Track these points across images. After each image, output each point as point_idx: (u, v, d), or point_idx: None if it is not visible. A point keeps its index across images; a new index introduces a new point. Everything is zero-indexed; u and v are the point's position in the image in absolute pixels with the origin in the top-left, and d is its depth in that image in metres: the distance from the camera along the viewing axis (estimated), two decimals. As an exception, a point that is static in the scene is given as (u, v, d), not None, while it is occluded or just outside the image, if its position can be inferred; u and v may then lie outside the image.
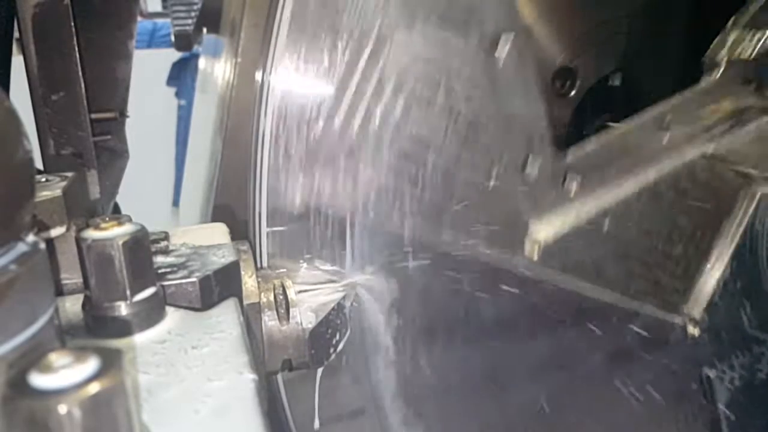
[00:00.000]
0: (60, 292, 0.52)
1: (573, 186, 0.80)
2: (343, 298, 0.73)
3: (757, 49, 0.84)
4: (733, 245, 0.90)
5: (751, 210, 0.88)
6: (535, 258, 0.80)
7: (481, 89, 0.75)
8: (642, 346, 0.89)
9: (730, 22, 0.88)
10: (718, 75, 0.85)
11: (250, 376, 0.41)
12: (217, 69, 1.47)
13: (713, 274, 0.91)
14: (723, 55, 0.86)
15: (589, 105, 1.09)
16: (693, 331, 0.91)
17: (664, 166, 0.82)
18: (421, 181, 0.74)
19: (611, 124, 0.87)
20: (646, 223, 0.85)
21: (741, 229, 0.89)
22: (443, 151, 0.74)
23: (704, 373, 0.94)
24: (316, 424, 0.75)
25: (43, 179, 0.53)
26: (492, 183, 0.77)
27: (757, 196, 0.88)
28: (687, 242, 0.89)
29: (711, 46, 0.88)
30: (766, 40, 0.84)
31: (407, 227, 0.75)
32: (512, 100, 0.76)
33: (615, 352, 0.89)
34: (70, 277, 0.53)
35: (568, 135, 1.09)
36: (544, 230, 0.79)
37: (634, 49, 1.09)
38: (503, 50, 0.73)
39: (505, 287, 0.80)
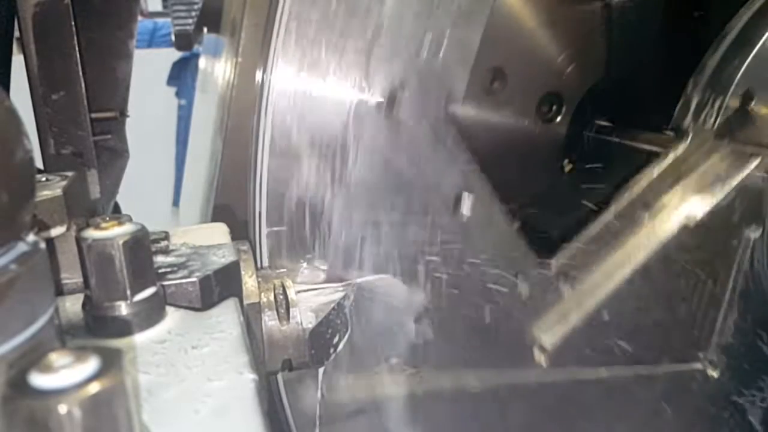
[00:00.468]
0: (60, 291, 0.52)
1: (565, 290, 0.83)
2: (343, 298, 0.73)
3: (719, 117, 0.84)
4: (738, 289, 0.90)
5: (747, 255, 0.89)
6: (545, 365, 0.83)
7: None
8: (669, 403, 0.92)
9: (689, 86, 0.88)
10: (689, 142, 0.86)
11: (250, 376, 0.41)
12: (217, 69, 1.47)
13: (723, 318, 0.92)
14: (688, 124, 0.86)
15: (586, 109, 1.09)
16: (713, 372, 0.93)
17: (652, 245, 0.83)
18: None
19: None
20: (645, 299, 0.87)
21: (741, 274, 0.90)
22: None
23: (734, 400, 0.95)
24: (318, 424, 0.75)
25: (44, 179, 0.53)
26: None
27: (751, 241, 0.88)
28: (689, 301, 0.90)
29: (675, 113, 0.89)
30: (726, 107, 0.83)
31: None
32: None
33: (647, 416, 0.91)
34: (71, 276, 0.53)
35: (567, 143, 1.08)
36: (548, 337, 0.82)
37: (616, 51, 1.07)
38: (467, 208, 0.76)
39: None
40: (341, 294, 0.73)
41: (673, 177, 0.84)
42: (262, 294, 0.67)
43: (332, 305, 0.71)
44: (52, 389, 0.26)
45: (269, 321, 0.66)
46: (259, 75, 0.74)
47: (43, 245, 0.33)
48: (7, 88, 0.82)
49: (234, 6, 1.27)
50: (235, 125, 1.11)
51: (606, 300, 0.83)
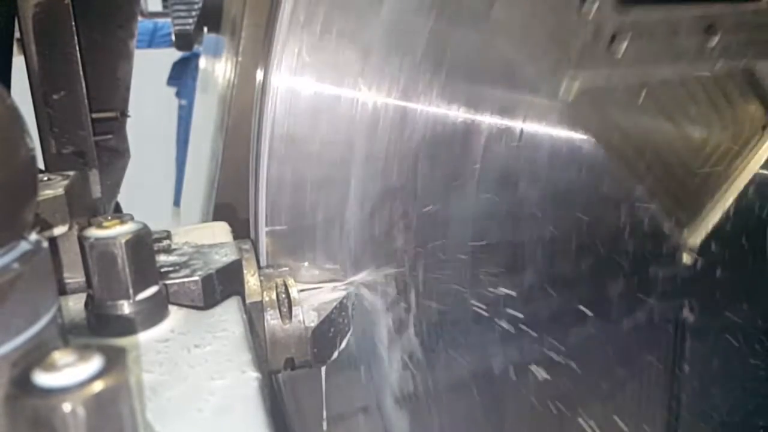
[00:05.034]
0: (63, 291, 0.52)
1: (622, 47, 0.79)
2: (346, 296, 0.73)
3: None
4: (745, 182, 0.88)
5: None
6: (570, 99, 0.79)
7: None
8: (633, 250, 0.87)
9: None
10: None
11: (253, 375, 0.41)
12: (217, 68, 1.47)
13: (720, 205, 0.89)
14: None
15: None
16: (686, 259, 0.89)
17: (704, 68, 0.82)
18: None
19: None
20: (674, 119, 0.84)
21: (756, 168, 0.88)
22: None
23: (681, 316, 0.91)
24: (324, 424, 0.75)
25: (45, 178, 0.53)
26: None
27: None
28: (705, 156, 0.87)
29: None
30: None
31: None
32: None
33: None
34: (73, 276, 0.53)
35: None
36: (585, 77, 0.79)
37: None
38: None
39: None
40: (343, 292, 0.73)
41: (749, 19, 0.83)
42: (265, 293, 0.67)
43: (334, 304, 0.71)
44: (55, 388, 0.26)
45: (271, 320, 0.66)
46: (259, 74, 0.74)
47: (45, 244, 0.33)
48: (8, 89, 0.82)
49: (234, 6, 1.27)
50: (236, 124, 1.11)
51: (649, 81, 0.79)
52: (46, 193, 0.50)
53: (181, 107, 3.81)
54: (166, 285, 0.49)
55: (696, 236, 0.90)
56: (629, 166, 0.85)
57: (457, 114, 0.76)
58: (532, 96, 0.79)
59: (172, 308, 0.48)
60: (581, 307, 0.85)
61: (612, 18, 0.79)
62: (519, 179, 0.80)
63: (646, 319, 0.90)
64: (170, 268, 0.53)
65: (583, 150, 0.82)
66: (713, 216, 0.90)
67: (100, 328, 0.45)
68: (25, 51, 0.78)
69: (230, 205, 1.10)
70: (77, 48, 0.79)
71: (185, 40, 2.21)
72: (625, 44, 0.80)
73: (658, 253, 0.89)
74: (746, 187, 0.89)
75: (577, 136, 0.82)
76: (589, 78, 0.80)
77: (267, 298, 0.67)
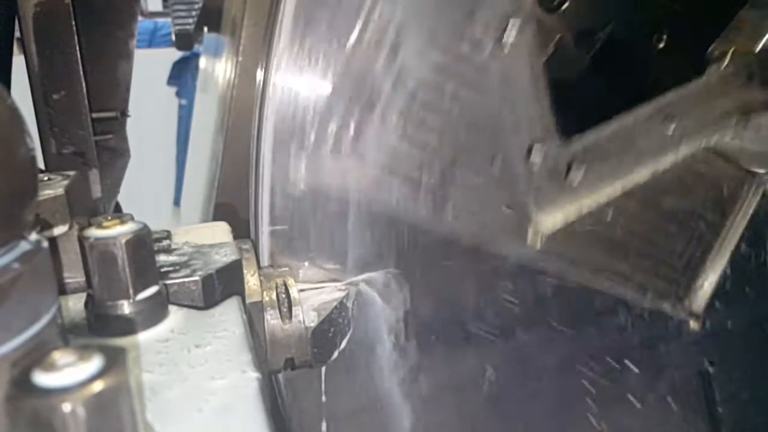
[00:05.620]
0: (63, 290, 0.52)
1: (577, 176, 0.79)
2: (346, 296, 0.73)
3: (762, 43, 0.83)
4: (736, 239, 0.89)
5: (755, 204, 0.88)
6: (538, 247, 0.79)
7: (484, 80, 0.74)
8: (641, 342, 0.89)
9: (739, 14, 0.86)
10: (722, 68, 0.85)
11: (253, 375, 0.41)
12: (218, 68, 1.47)
13: (715, 267, 0.90)
14: (728, 48, 0.85)
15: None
16: (694, 325, 0.91)
17: (668, 159, 0.82)
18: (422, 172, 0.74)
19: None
20: (650, 215, 0.85)
21: (744, 223, 0.89)
22: (445, 142, 0.74)
23: (704, 369, 0.94)
24: (324, 425, 0.75)
25: (46, 178, 0.53)
26: (495, 170, 0.76)
27: (761, 191, 0.88)
28: (690, 236, 0.89)
29: (718, 39, 0.87)
30: None
31: (407, 220, 0.75)
32: (517, 91, 0.75)
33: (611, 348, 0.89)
34: (73, 275, 0.53)
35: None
36: (548, 220, 0.79)
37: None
38: (510, 36, 0.72)
39: (503, 283, 0.80)
40: (343, 293, 0.73)
41: (703, 99, 0.83)
42: (265, 293, 0.67)
43: (334, 304, 0.71)
44: (55, 388, 0.26)
45: (272, 320, 0.66)
46: (259, 74, 0.74)
47: (45, 244, 0.33)
48: (8, 89, 0.82)
49: (234, 5, 1.27)
50: (236, 124, 1.11)
51: (613, 199, 0.80)
52: (46, 193, 0.50)
53: (181, 107, 3.81)
54: (166, 285, 0.49)
55: (698, 303, 0.92)
56: (615, 274, 0.87)
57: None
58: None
59: (172, 308, 0.48)
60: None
61: (561, 154, 0.79)
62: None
63: (668, 388, 0.93)
64: (170, 268, 0.53)
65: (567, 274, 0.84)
66: (711, 280, 0.92)
67: (100, 328, 0.45)
68: (25, 51, 0.78)
69: (230, 205, 1.10)
70: (77, 48, 0.79)
71: (185, 40, 2.21)
72: (581, 171, 0.79)
73: (665, 332, 0.91)
74: (738, 243, 0.91)
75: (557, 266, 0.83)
76: (553, 220, 0.80)
77: (267, 298, 0.67)
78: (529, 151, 0.77)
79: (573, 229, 0.80)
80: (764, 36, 0.83)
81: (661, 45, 1.02)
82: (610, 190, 0.81)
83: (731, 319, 0.93)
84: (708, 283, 0.91)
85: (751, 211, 0.89)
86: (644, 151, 0.82)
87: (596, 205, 0.80)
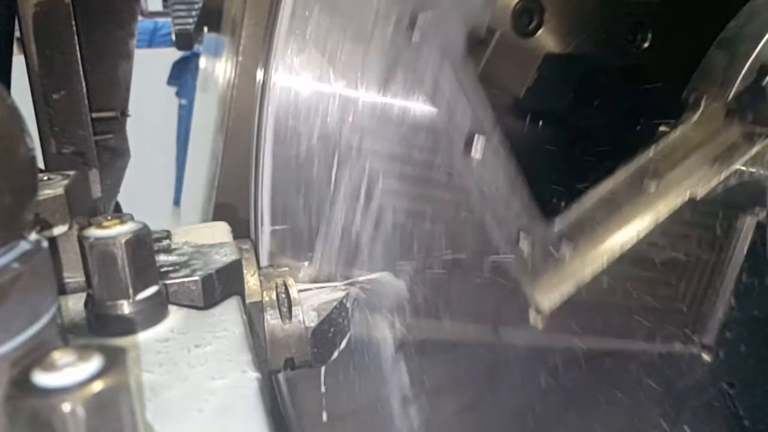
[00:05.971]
0: (62, 290, 0.52)
1: (567, 252, 0.81)
2: (346, 296, 0.72)
3: (734, 91, 0.83)
4: (737, 270, 0.90)
5: (750, 235, 0.89)
6: (540, 327, 0.81)
7: (461, 195, 0.77)
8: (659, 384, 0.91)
9: (707, 55, 0.87)
10: (699, 113, 0.85)
11: (253, 375, 0.41)
12: (218, 68, 1.47)
13: (721, 301, 0.92)
14: (700, 96, 0.85)
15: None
16: (707, 357, 0.93)
17: (656, 215, 0.83)
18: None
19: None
20: (645, 272, 0.86)
21: (742, 255, 0.90)
22: (433, 258, 0.77)
23: (724, 390, 0.95)
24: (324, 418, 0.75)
25: (45, 178, 0.53)
26: (486, 268, 0.79)
27: (755, 222, 0.89)
28: (689, 278, 0.90)
29: (691, 82, 0.88)
30: (744, 74, 0.82)
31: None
32: (495, 195, 0.78)
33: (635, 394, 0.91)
34: (73, 275, 0.53)
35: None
36: (546, 300, 0.81)
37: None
38: (477, 151, 0.75)
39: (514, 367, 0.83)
40: (343, 293, 0.73)
41: (684, 147, 0.83)
42: (264, 293, 0.67)
43: (334, 304, 0.71)
44: (55, 388, 0.26)
45: (271, 320, 0.66)
46: (259, 74, 0.74)
47: (45, 244, 0.33)
48: (8, 88, 0.82)
49: (234, 5, 1.27)
50: (236, 124, 1.11)
51: (607, 266, 0.81)
52: (46, 193, 0.50)
53: (181, 107, 3.81)
54: (166, 285, 0.49)
55: (709, 336, 0.93)
56: (621, 333, 0.89)
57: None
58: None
59: (172, 308, 0.48)
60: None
61: (548, 236, 0.81)
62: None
63: (690, 417, 0.94)
64: (170, 268, 0.53)
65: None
66: (718, 314, 0.93)
67: (100, 328, 0.45)
68: (25, 51, 0.78)
69: (230, 205, 1.10)
70: (77, 48, 0.79)
71: (185, 40, 2.21)
72: (571, 247, 0.81)
73: (679, 371, 0.93)
74: (740, 275, 0.91)
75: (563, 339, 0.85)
76: (552, 298, 0.81)
77: (267, 298, 0.66)
78: (517, 240, 0.79)
79: (572, 301, 0.82)
80: (735, 82, 0.82)
81: (646, 44, 1.04)
82: (602, 258, 0.82)
83: (743, 343, 0.94)
84: (715, 317, 0.92)
85: (748, 243, 0.90)
86: (629, 214, 0.83)
87: (591, 276, 0.82)
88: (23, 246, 0.32)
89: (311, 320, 0.68)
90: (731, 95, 0.83)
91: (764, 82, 0.81)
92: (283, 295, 0.67)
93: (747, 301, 0.92)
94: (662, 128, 0.89)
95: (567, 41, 1.00)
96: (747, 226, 0.89)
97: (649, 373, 0.91)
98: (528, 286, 0.80)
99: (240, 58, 1.10)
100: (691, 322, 0.92)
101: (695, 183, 0.82)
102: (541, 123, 1.02)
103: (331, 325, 0.70)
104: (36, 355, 0.28)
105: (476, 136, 0.74)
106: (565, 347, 0.85)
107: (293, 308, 0.66)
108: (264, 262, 0.72)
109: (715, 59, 0.86)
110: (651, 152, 0.84)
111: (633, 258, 0.83)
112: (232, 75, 1.13)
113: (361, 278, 0.75)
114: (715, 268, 0.91)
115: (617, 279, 0.84)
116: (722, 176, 0.81)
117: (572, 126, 1.03)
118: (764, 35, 0.81)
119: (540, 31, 0.98)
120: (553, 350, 0.85)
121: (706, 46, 0.89)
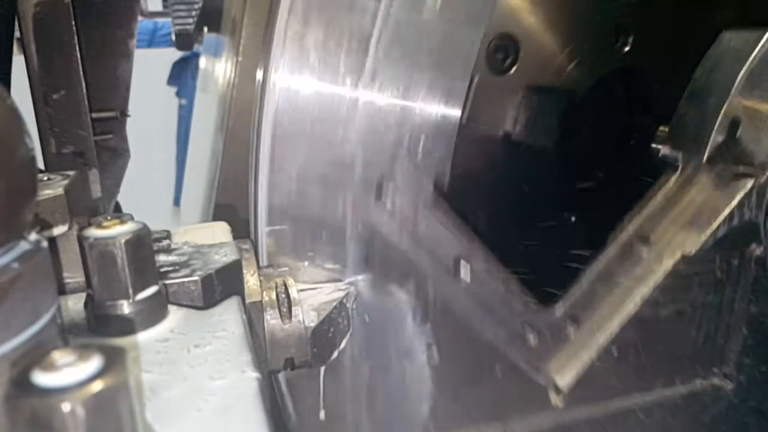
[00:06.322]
0: (62, 290, 0.52)
1: (571, 332, 0.84)
2: (345, 296, 0.73)
3: (710, 143, 0.82)
4: (745, 305, 0.91)
5: (752, 272, 0.90)
6: (561, 406, 0.84)
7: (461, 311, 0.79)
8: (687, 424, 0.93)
9: (679, 106, 0.87)
10: (678, 174, 0.85)
11: (252, 375, 0.41)
12: (218, 68, 1.47)
13: (734, 335, 0.93)
14: (678, 147, 0.85)
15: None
16: (728, 385, 0.94)
17: (653, 279, 0.84)
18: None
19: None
20: (652, 330, 0.88)
21: (747, 293, 0.91)
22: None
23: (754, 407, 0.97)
24: (322, 415, 0.75)
25: (45, 178, 0.53)
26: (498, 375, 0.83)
27: (754, 259, 0.89)
28: (699, 321, 0.91)
29: (668, 132, 0.88)
30: (717, 129, 0.82)
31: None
32: (492, 307, 0.81)
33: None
34: (73, 275, 0.53)
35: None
36: (562, 379, 0.83)
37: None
38: (466, 275, 0.77)
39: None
40: (343, 293, 0.73)
41: (666, 213, 0.85)
42: (264, 293, 0.67)
43: (334, 304, 0.71)
44: (55, 387, 0.26)
45: (271, 320, 0.66)
46: (259, 74, 0.74)
47: (45, 244, 0.33)
48: (7, 88, 0.82)
49: (234, 5, 1.27)
50: (236, 124, 1.11)
51: (613, 337, 0.84)
52: (46, 193, 0.50)
53: (181, 107, 3.81)
54: (165, 285, 0.49)
55: (727, 367, 0.94)
56: (640, 388, 0.91)
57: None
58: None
59: (172, 308, 0.48)
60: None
61: (552, 322, 0.83)
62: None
63: None
64: (170, 268, 0.53)
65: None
66: (733, 346, 0.94)
67: (100, 328, 0.45)
68: (25, 51, 0.78)
69: (230, 205, 1.10)
70: (77, 48, 0.79)
71: (185, 40, 2.21)
72: (576, 326, 0.84)
73: (703, 403, 0.95)
74: (747, 308, 0.92)
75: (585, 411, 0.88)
76: (567, 376, 0.84)
77: (267, 298, 0.67)
78: (523, 334, 0.82)
79: (586, 375, 0.84)
80: (709, 139, 0.82)
81: (627, 48, 1.06)
82: (609, 329, 0.84)
83: (763, 365, 0.95)
84: (731, 350, 0.94)
85: (751, 280, 0.91)
86: (627, 283, 0.84)
87: (600, 348, 0.84)
88: (23, 246, 0.32)
89: (311, 320, 0.68)
90: (707, 152, 0.83)
91: (737, 134, 0.81)
92: (283, 295, 0.67)
93: (759, 330, 0.93)
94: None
95: (546, 69, 1.02)
96: (747, 262, 0.90)
97: (674, 415, 0.93)
98: (541, 373, 0.83)
99: (240, 58, 1.10)
100: (707, 357, 0.94)
101: (685, 243, 0.83)
102: (531, 158, 1.05)
103: (331, 325, 0.70)
104: (36, 355, 0.28)
105: (461, 261, 0.77)
106: (587, 417, 0.88)
107: (293, 308, 0.66)
108: (264, 262, 0.72)
109: (687, 114, 0.86)
110: (641, 217, 0.86)
111: (637, 322, 0.84)
112: (232, 75, 1.13)
113: (361, 278, 0.75)
114: (723, 307, 0.92)
115: (626, 344, 0.86)
116: (711, 230, 0.82)
117: (564, 164, 1.06)
118: (730, 88, 0.81)
119: (516, 66, 1.00)
120: (578, 422, 0.88)
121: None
